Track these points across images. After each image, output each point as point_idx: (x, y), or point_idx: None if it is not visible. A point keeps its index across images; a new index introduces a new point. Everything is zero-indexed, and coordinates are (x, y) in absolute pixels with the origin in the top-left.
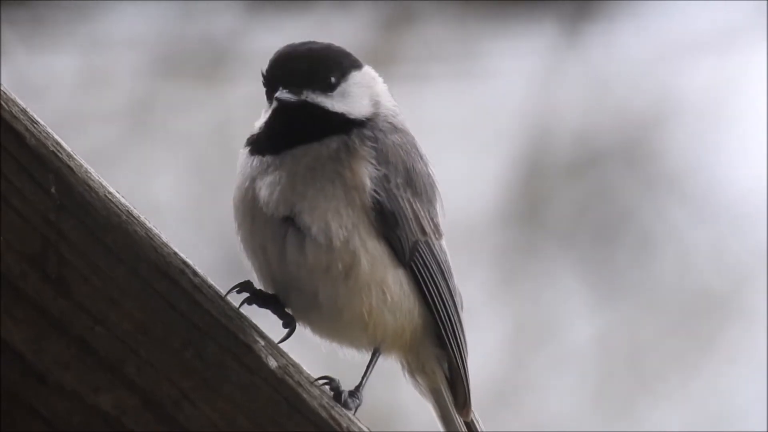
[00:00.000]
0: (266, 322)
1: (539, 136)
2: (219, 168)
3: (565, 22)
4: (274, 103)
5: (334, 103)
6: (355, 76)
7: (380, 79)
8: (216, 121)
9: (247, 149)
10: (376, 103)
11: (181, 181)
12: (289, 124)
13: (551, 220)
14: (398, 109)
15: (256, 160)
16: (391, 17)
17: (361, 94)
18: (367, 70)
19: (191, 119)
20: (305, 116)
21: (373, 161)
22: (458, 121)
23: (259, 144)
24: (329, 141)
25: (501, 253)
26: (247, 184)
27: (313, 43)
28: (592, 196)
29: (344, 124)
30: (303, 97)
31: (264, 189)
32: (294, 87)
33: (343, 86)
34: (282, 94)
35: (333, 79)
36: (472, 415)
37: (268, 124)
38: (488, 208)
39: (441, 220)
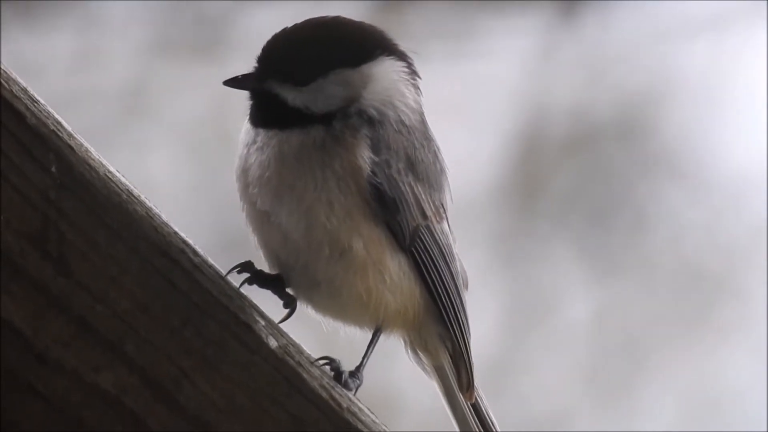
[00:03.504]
0: (267, 302)
1: (535, 116)
2: (214, 148)
3: (561, 0)
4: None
5: (296, 96)
6: (340, 74)
7: (393, 77)
8: (211, 102)
9: (248, 112)
10: (351, 100)
11: (176, 161)
12: (256, 108)
13: (547, 200)
14: (407, 107)
15: (249, 128)
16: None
17: (337, 91)
18: (366, 68)
19: (187, 99)
20: (266, 104)
21: (370, 148)
22: (454, 100)
23: (251, 111)
24: (310, 129)
25: (496, 233)
26: (245, 152)
27: (315, 27)
28: (588, 175)
29: (317, 116)
30: (264, 85)
31: (255, 167)
32: (264, 72)
33: (319, 82)
34: (236, 77)
35: (310, 72)
36: (476, 397)
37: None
38: (484, 187)
39: (448, 204)
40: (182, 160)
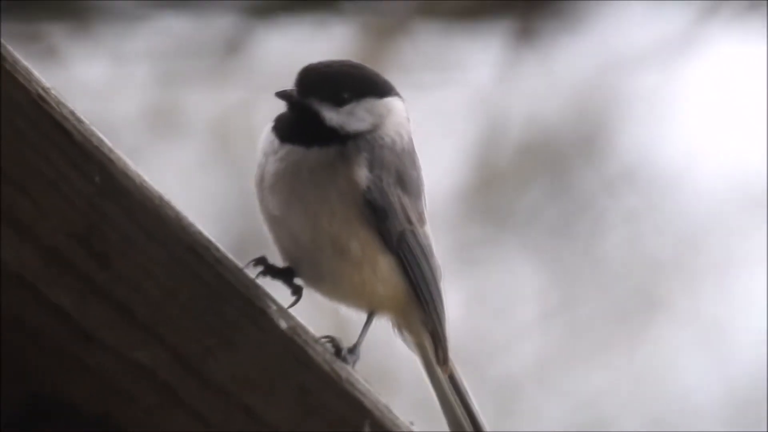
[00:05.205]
0: (278, 290)
1: (496, 135)
2: (224, 166)
3: (517, 33)
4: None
5: (333, 116)
6: (369, 102)
7: (401, 113)
8: (220, 123)
9: (271, 124)
10: (376, 126)
11: (191, 179)
12: (293, 121)
13: (509, 213)
14: (405, 134)
15: (273, 138)
16: (368, 28)
17: (365, 116)
18: (388, 102)
19: (199, 121)
20: (304, 119)
21: (367, 167)
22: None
23: (277, 125)
24: (329, 149)
25: (457, 240)
26: (263, 160)
27: (347, 63)
28: (549, 190)
29: (341, 136)
30: (306, 101)
31: (270, 176)
32: (305, 92)
33: (352, 105)
34: (285, 91)
35: (346, 96)
36: (452, 370)
37: (284, 115)
38: (446, 200)
39: (426, 211)
40: (196, 177)
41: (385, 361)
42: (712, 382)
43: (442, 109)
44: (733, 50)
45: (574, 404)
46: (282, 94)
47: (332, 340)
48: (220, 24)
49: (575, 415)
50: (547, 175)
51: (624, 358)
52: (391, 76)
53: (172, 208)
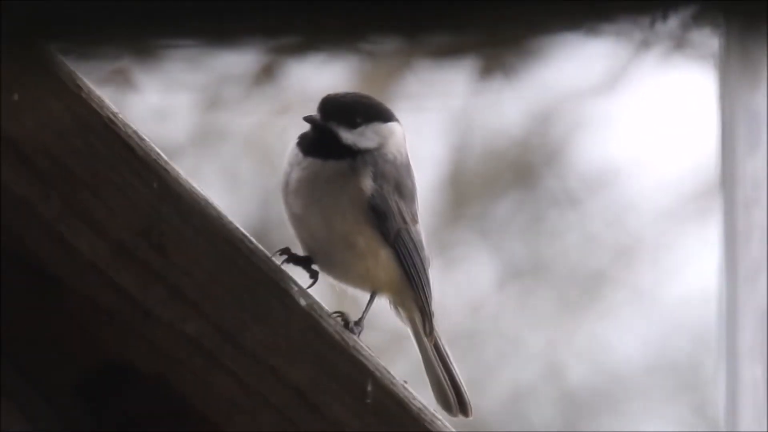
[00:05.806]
0: (299, 274)
1: (469, 149)
2: (254, 173)
3: (488, 66)
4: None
5: (348, 136)
6: (376, 125)
7: (400, 135)
8: (254, 138)
9: (296, 141)
10: (381, 145)
11: (228, 182)
12: (315, 139)
13: (479, 215)
14: (403, 151)
15: (297, 152)
16: (371, 61)
17: (373, 137)
18: (391, 126)
19: (237, 137)
20: (325, 138)
21: (372, 178)
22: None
23: (301, 141)
24: (343, 162)
25: (437, 239)
26: (288, 169)
27: (358, 95)
28: (515, 194)
29: (353, 152)
30: (327, 124)
31: (294, 182)
32: (326, 117)
33: (362, 128)
34: (311, 116)
35: (358, 120)
36: (437, 340)
37: (308, 134)
38: (425, 204)
39: (418, 212)
40: (233, 183)
41: (384, 332)
42: (645, 337)
43: (424, 130)
44: (662, 79)
45: (530, 354)
46: (308, 119)
47: (342, 314)
48: (252, 59)
49: (530, 362)
50: (513, 182)
51: (575, 320)
52: (389, 102)
53: (214, 209)
